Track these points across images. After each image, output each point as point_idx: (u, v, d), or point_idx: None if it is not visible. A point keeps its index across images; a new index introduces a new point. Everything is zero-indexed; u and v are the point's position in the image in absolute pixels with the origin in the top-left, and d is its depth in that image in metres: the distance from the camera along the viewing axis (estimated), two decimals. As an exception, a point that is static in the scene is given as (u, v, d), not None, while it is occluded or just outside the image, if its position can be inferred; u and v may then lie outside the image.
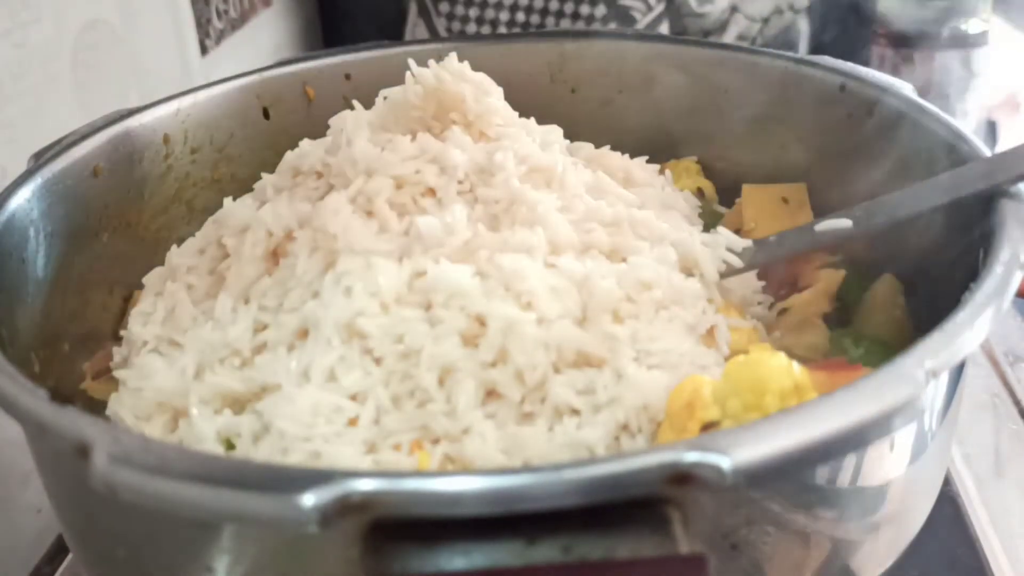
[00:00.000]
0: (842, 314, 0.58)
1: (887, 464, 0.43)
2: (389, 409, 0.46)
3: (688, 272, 0.55)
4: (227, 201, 0.60)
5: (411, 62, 0.60)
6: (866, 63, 0.65)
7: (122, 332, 0.58)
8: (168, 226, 0.67)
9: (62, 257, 0.58)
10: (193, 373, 0.51)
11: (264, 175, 0.61)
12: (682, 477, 0.33)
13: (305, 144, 0.61)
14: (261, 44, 1.15)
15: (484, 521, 0.33)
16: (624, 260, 0.53)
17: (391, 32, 1.20)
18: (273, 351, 0.50)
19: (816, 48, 1.13)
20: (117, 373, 0.54)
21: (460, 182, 0.55)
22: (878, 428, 0.35)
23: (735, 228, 0.60)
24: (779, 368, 0.42)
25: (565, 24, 1.12)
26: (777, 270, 0.59)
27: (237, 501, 0.33)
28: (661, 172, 0.68)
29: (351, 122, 0.59)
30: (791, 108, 0.67)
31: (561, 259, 0.51)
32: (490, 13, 1.15)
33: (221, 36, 1.03)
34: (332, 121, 0.61)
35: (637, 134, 0.73)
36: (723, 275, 0.56)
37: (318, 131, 0.65)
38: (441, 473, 0.42)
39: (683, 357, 0.48)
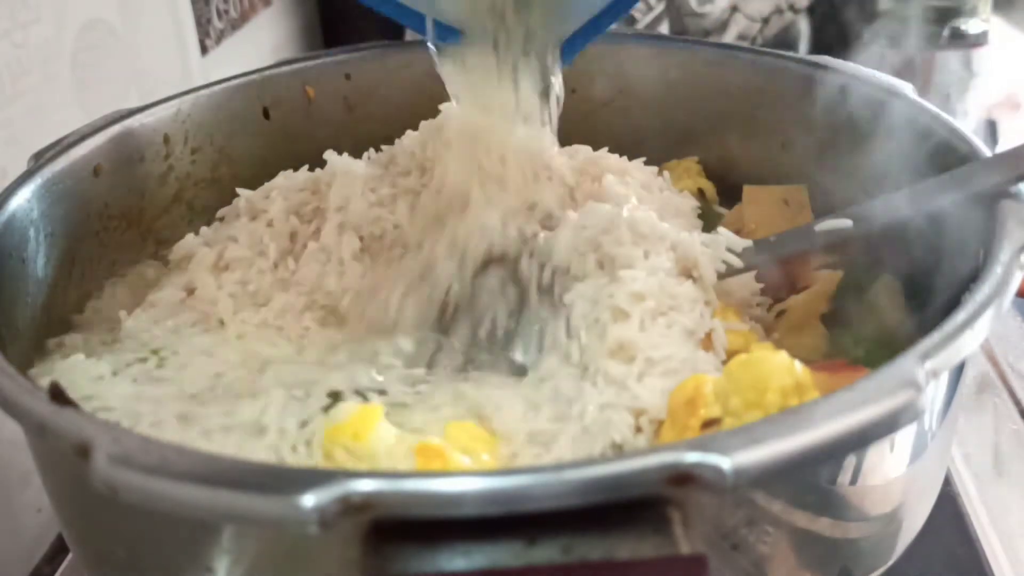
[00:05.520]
0: (842, 314, 0.58)
1: (887, 464, 0.43)
2: None
3: (688, 274, 0.55)
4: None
5: None
6: (866, 63, 0.65)
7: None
8: (168, 226, 0.67)
9: (62, 257, 0.58)
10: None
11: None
12: (683, 477, 0.33)
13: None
14: (261, 44, 1.15)
15: (484, 521, 0.33)
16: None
17: (391, 32, 1.20)
18: None
19: (816, 48, 1.13)
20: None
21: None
22: (878, 429, 0.35)
23: (735, 229, 0.60)
24: (780, 366, 0.42)
25: (565, 24, 1.12)
26: (775, 271, 0.59)
27: (237, 501, 0.33)
28: (660, 173, 0.68)
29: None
30: (791, 108, 0.67)
31: None
32: (490, 13, 1.15)
33: (221, 36, 1.03)
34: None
35: (637, 134, 0.73)
36: (723, 276, 0.56)
37: (318, 131, 0.65)
38: (441, 473, 0.42)
39: (684, 363, 0.48)
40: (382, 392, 0.50)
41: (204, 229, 0.61)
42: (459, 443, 0.42)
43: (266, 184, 0.63)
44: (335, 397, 0.48)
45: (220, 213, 0.64)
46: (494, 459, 0.43)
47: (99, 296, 0.61)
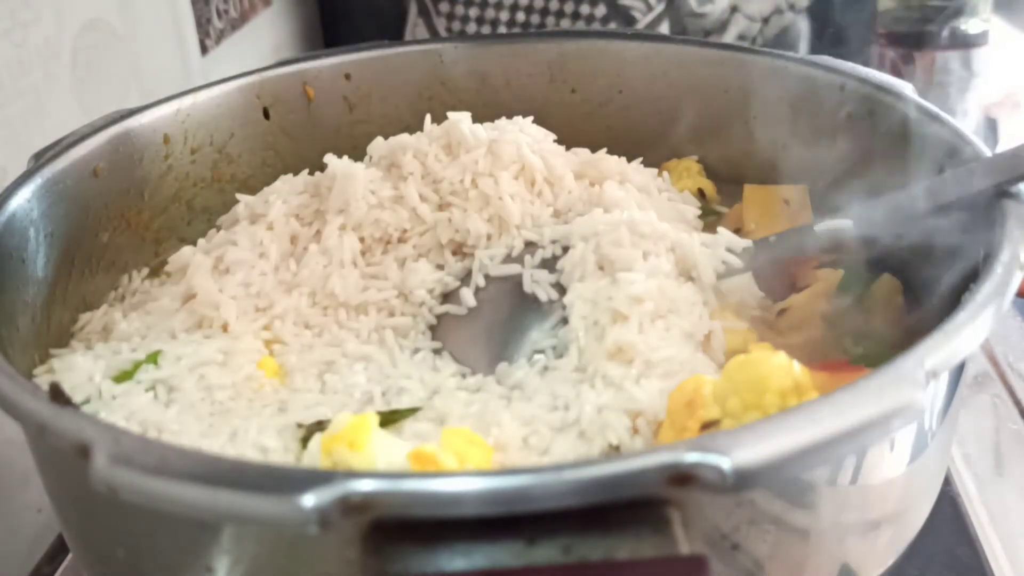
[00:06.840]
0: (842, 314, 0.58)
1: (887, 464, 0.43)
2: None
3: (687, 275, 0.55)
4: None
5: None
6: (866, 63, 0.65)
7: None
8: (168, 226, 0.67)
9: (62, 257, 0.58)
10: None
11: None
12: (682, 478, 0.33)
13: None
14: (261, 44, 1.15)
15: (484, 521, 0.33)
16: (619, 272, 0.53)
17: (391, 32, 1.20)
18: None
19: (816, 48, 1.13)
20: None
21: None
22: (878, 428, 0.35)
23: (735, 228, 0.60)
24: (779, 367, 0.42)
25: (565, 24, 1.12)
26: (776, 270, 0.59)
27: (237, 501, 0.33)
28: (660, 173, 0.68)
29: None
30: (791, 108, 0.67)
31: None
32: (490, 13, 1.15)
33: (221, 36, 1.03)
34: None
35: (637, 134, 0.73)
36: (722, 276, 0.56)
37: (318, 131, 0.65)
38: (441, 474, 0.42)
39: (683, 365, 0.48)
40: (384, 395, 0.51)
41: (201, 241, 0.60)
42: (455, 447, 0.42)
43: (265, 188, 0.63)
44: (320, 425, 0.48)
45: (219, 221, 0.64)
46: (488, 464, 0.43)
47: (97, 306, 0.61)
